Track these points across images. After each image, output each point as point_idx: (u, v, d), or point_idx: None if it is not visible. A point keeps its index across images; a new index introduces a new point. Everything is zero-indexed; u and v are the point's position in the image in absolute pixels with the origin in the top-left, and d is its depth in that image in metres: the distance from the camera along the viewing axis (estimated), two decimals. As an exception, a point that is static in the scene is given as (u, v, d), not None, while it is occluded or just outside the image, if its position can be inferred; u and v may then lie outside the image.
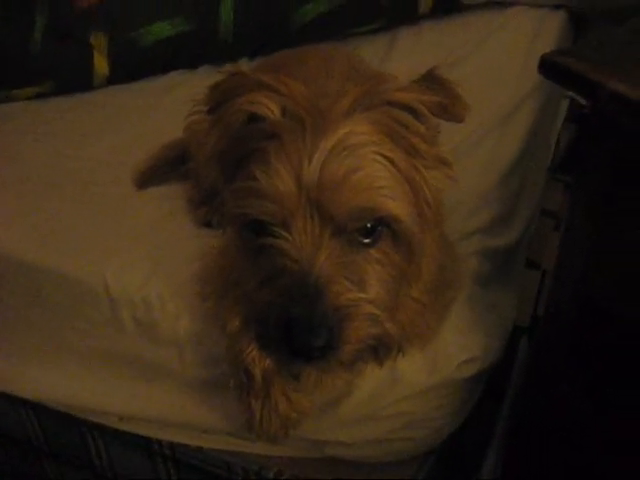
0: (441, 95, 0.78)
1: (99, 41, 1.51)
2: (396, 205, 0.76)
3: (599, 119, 0.87)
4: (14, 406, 1.37)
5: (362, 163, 0.75)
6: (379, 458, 1.11)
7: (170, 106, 1.50)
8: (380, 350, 0.80)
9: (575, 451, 1.08)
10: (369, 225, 0.76)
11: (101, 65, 1.53)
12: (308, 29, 1.53)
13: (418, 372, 1.00)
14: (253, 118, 0.80)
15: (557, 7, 1.65)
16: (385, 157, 0.76)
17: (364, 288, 0.76)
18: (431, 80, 0.80)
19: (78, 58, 1.52)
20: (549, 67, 0.86)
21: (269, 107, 0.78)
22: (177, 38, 1.53)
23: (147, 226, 1.22)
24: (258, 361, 0.94)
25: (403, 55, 1.56)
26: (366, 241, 0.76)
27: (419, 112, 0.78)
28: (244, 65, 1.58)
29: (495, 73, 1.48)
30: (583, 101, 1.65)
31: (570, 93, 1.63)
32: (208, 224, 1.23)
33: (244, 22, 1.54)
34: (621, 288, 0.93)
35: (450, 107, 0.79)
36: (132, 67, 1.56)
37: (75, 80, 1.55)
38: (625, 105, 0.77)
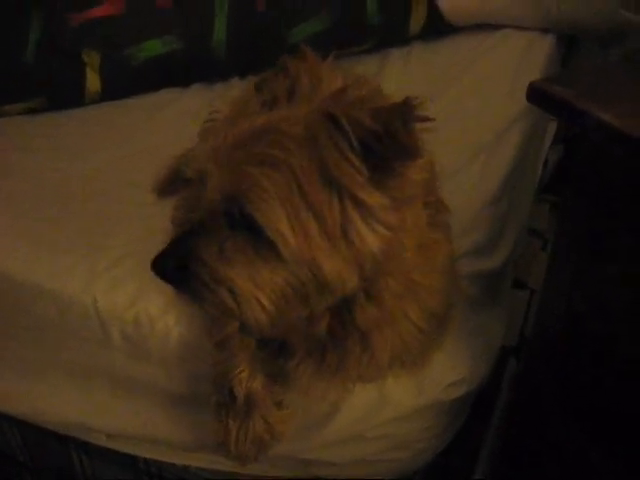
0: (393, 126, 0.71)
1: (91, 58, 1.51)
2: (268, 212, 0.72)
3: (586, 146, 0.89)
4: (-1, 421, 1.36)
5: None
6: (365, 478, 1.11)
7: (161, 124, 1.50)
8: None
9: (563, 471, 1.08)
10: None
11: (93, 82, 1.53)
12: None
13: (406, 394, 1.01)
14: None
15: (546, 30, 1.67)
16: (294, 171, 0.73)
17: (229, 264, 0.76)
18: (399, 109, 0.72)
19: (70, 74, 1.52)
20: (537, 94, 0.87)
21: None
22: (169, 56, 1.54)
23: (137, 243, 1.22)
24: (245, 383, 0.95)
25: (394, 75, 1.57)
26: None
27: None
28: (235, 84, 1.59)
29: (484, 94, 1.50)
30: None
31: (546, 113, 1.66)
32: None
33: (236, 41, 1.55)
34: (606, 309, 0.94)
35: (388, 141, 0.72)
36: (124, 84, 1.56)
37: (67, 96, 1.55)
38: (610, 134, 0.78)
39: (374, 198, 0.73)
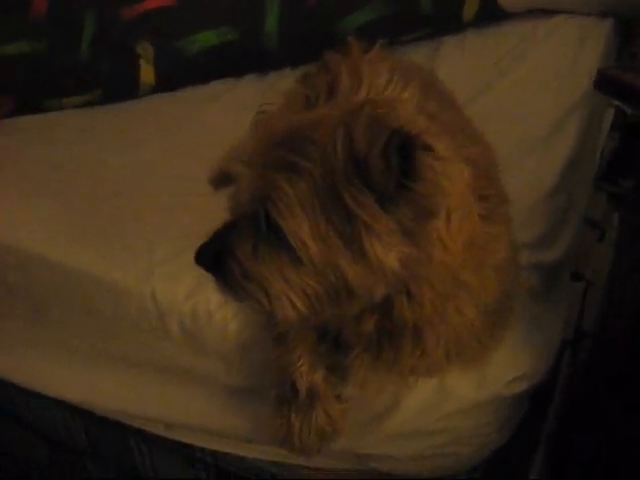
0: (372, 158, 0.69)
1: (146, 50, 1.53)
2: (290, 219, 0.73)
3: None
4: (60, 409, 1.39)
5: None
6: (424, 473, 1.11)
7: (214, 115, 1.51)
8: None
9: (624, 466, 1.06)
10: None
11: (147, 74, 1.54)
12: (353, 37, 1.53)
13: (467, 388, 1.00)
14: None
15: (603, 15, 1.62)
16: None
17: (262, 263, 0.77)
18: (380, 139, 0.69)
19: (125, 67, 1.54)
20: (606, 82, 0.85)
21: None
22: (222, 47, 1.54)
23: (193, 235, 1.22)
24: (306, 376, 0.95)
25: (448, 63, 1.54)
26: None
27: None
28: (287, 74, 1.58)
29: (542, 82, 1.46)
30: (629, 110, 1.63)
31: (616, 102, 1.61)
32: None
33: (289, 31, 1.54)
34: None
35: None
36: (177, 76, 1.57)
37: (122, 89, 1.57)
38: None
39: (382, 223, 0.71)
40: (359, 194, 0.70)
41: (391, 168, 0.68)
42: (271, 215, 0.74)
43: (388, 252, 0.73)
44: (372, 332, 0.87)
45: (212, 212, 1.30)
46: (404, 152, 0.68)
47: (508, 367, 1.01)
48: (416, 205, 0.71)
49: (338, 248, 0.73)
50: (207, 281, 1.12)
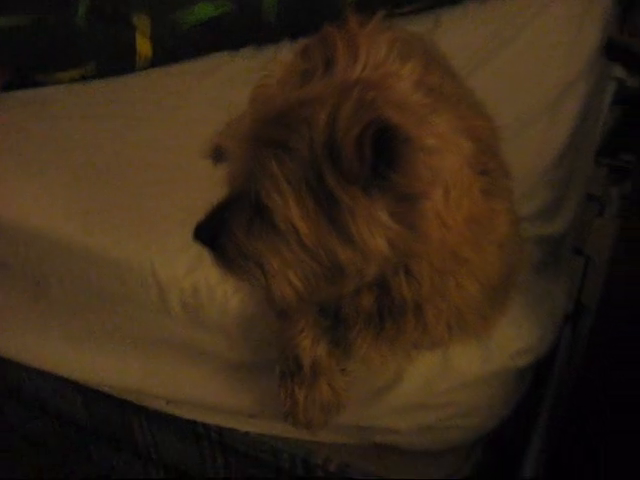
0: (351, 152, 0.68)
1: (142, 22, 1.50)
2: (278, 201, 0.72)
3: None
4: (61, 386, 1.39)
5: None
6: (428, 446, 1.10)
7: (212, 88, 1.49)
8: None
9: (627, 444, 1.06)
10: None
11: (144, 47, 1.52)
12: (352, 9, 1.50)
13: (471, 361, 1.00)
14: None
15: (604, -14, 1.60)
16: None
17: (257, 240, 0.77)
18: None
19: (121, 39, 1.51)
20: (619, 51, 0.83)
21: None
22: (219, 19, 1.52)
23: (194, 210, 1.21)
24: (309, 350, 0.94)
25: (448, 35, 1.52)
26: None
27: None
28: (285, 47, 1.56)
29: (543, 54, 1.45)
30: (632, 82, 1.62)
31: (618, 75, 1.60)
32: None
33: (287, 2, 1.52)
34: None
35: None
36: (174, 49, 1.55)
37: (118, 62, 1.54)
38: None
39: (365, 207, 0.70)
40: (342, 178, 0.69)
41: (364, 158, 0.67)
42: (260, 196, 0.73)
43: (375, 235, 0.72)
44: (372, 308, 0.87)
45: (211, 186, 1.30)
46: (383, 142, 0.67)
47: (513, 339, 1.01)
48: (399, 192, 0.70)
49: (327, 229, 0.72)
50: (207, 256, 1.13)
